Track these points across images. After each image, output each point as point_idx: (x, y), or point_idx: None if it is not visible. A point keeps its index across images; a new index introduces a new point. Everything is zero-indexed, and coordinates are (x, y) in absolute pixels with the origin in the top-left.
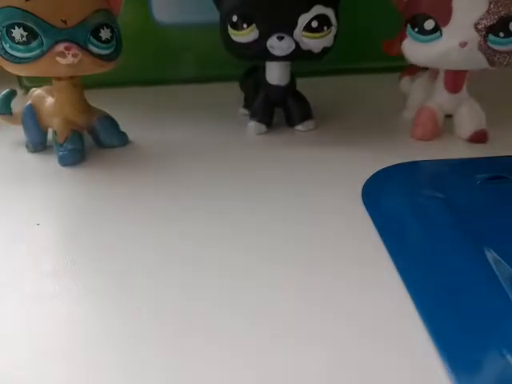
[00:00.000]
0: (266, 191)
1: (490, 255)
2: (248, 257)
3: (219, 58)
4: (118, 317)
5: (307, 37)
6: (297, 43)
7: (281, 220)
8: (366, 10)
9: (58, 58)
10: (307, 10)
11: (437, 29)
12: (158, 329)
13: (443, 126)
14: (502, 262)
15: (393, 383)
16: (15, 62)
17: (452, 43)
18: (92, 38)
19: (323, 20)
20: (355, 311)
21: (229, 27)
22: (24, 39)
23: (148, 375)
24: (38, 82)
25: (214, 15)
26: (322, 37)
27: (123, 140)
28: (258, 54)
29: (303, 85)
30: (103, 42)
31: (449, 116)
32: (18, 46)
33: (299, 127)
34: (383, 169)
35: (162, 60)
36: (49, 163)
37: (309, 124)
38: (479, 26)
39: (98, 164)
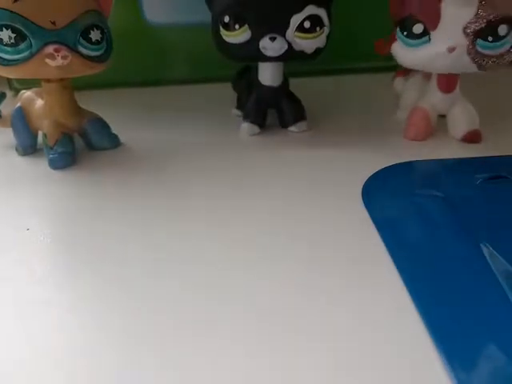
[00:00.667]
0: (265, 191)
1: (487, 250)
2: (247, 257)
3: (212, 59)
4: (114, 318)
5: (300, 37)
6: (289, 44)
7: (280, 220)
8: (358, 10)
9: (48, 60)
10: (300, 10)
11: (425, 33)
12: (157, 329)
13: (440, 126)
14: (498, 256)
15: (392, 379)
16: (3, 65)
17: (440, 48)
18: (82, 40)
19: (316, 20)
20: (354, 309)
21: (221, 28)
22: (12, 41)
23: (147, 376)
24: (28, 84)
25: (206, 15)
26: (314, 37)
27: (114, 142)
28: (251, 54)
29: (297, 85)
30: (93, 43)
31: (443, 116)
32: (6, 48)
33: (292, 128)
34: (383, 168)
35: (154, 61)
36: (39, 166)
37: (302, 125)
38: (468, 31)
39: (88, 167)
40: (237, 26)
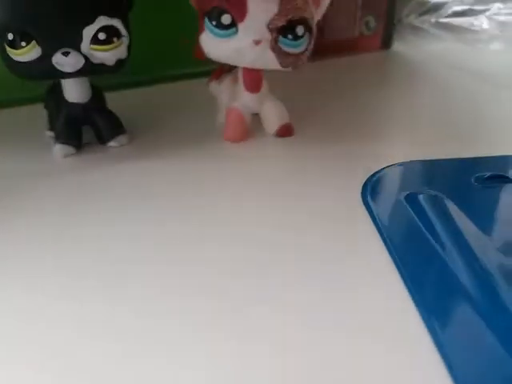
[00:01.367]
0: (262, 191)
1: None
2: (246, 258)
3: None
4: (109, 321)
5: (97, 49)
6: (86, 57)
7: (280, 219)
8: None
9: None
10: (91, 21)
11: (233, 24)
12: (154, 329)
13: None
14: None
15: (391, 379)
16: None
17: (246, 41)
18: None
19: (111, 31)
20: (355, 310)
21: (6, 46)
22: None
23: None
24: None
25: None
26: (112, 48)
27: None
28: (46, 72)
29: (117, 98)
30: None
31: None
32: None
33: (112, 143)
34: (382, 168)
35: None
36: None
37: (121, 139)
38: (270, 26)
39: None
40: (23, 44)
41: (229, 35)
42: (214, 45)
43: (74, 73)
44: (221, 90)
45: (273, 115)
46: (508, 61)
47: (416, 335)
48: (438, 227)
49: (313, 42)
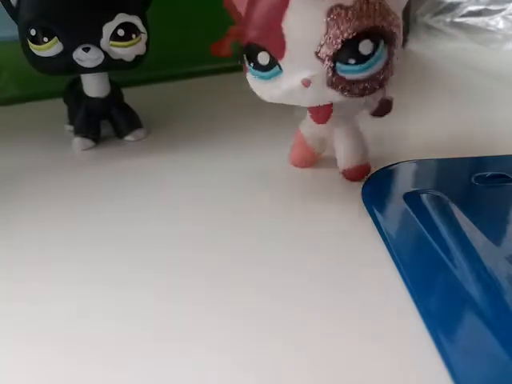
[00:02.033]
0: (260, 192)
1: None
2: (246, 259)
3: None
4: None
5: (116, 46)
6: (106, 53)
7: (280, 219)
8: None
9: None
10: (111, 19)
11: (274, 63)
12: (149, 327)
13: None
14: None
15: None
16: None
17: (295, 80)
18: None
19: (130, 28)
20: (355, 310)
21: (29, 42)
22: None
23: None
24: None
25: None
26: (131, 45)
27: None
28: (66, 67)
29: (134, 94)
30: None
31: None
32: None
33: (129, 137)
34: (383, 168)
35: None
36: None
37: (138, 133)
38: (321, 55)
39: None
40: (45, 39)
41: (274, 75)
42: (261, 88)
43: (94, 68)
44: None
45: (341, 152)
46: None
47: (416, 335)
48: (439, 226)
49: (398, 46)
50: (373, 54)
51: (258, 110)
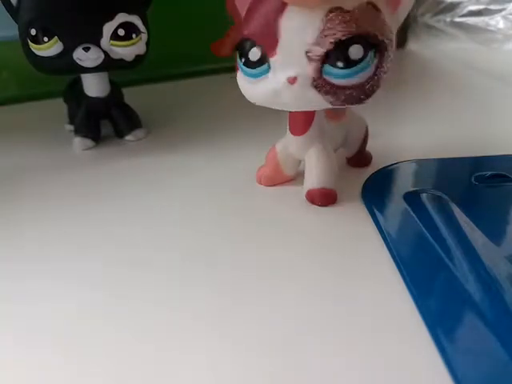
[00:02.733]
0: (260, 192)
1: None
2: (247, 259)
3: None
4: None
5: (116, 45)
6: (106, 53)
7: (280, 219)
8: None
9: None
10: (111, 18)
11: (264, 60)
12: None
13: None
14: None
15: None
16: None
17: (280, 78)
18: None
19: (130, 27)
20: (355, 309)
21: (29, 41)
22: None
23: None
24: None
25: None
26: (131, 44)
27: None
28: (67, 67)
29: (133, 94)
30: None
31: None
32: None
33: (128, 137)
34: (383, 168)
35: None
36: None
37: (138, 133)
38: (311, 55)
39: None
40: (46, 39)
41: (261, 74)
42: (248, 87)
43: (94, 68)
44: None
45: (309, 172)
46: None
47: (416, 333)
48: (439, 226)
49: (388, 61)
50: (361, 60)
51: (258, 110)
